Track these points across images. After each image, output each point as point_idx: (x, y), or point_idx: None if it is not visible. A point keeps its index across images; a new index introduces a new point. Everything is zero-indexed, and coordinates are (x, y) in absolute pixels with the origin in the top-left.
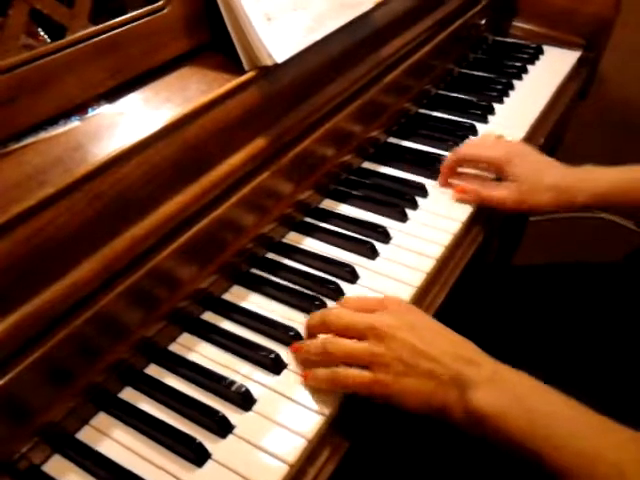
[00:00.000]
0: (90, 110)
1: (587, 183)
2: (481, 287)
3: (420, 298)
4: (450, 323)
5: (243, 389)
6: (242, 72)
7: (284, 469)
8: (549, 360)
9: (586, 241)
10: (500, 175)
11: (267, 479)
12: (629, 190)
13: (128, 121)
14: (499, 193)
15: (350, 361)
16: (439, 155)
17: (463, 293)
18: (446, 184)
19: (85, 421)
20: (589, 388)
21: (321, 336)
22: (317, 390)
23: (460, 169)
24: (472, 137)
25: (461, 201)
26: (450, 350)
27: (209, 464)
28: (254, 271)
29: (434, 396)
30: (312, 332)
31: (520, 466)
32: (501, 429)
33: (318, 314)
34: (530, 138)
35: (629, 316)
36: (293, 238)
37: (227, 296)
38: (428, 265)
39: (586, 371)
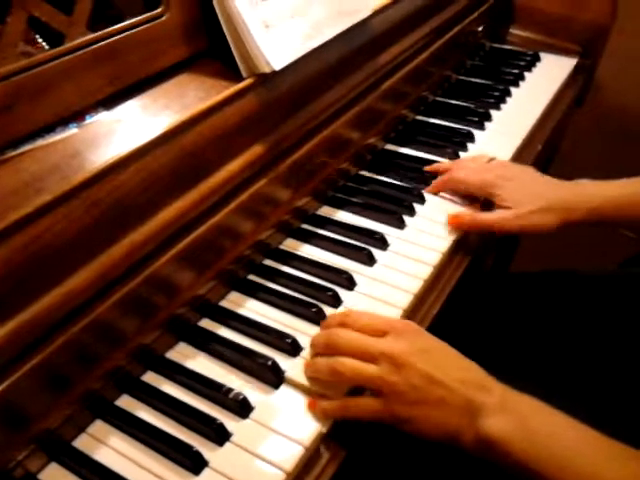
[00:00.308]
0: (88, 117)
1: (581, 198)
2: (478, 295)
3: (417, 305)
4: (448, 331)
5: (240, 397)
6: (240, 79)
7: (281, 477)
8: (546, 368)
9: (583, 248)
10: (492, 199)
11: None
12: (624, 205)
13: (126, 128)
14: (494, 217)
15: (360, 384)
16: (436, 162)
17: (461, 301)
18: (435, 193)
19: (82, 429)
20: (586, 396)
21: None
22: (314, 396)
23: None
24: (467, 151)
25: (457, 229)
26: (460, 376)
27: (206, 472)
28: (252, 278)
29: (447, 424)
30: (318, 352)
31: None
32: (511, 455)
33: (324, 334)
34: (527, 145)
35: (626, 324)
36: (291, 245)
37: (224, 303)
38: (425, 272)
39: (584, 379)
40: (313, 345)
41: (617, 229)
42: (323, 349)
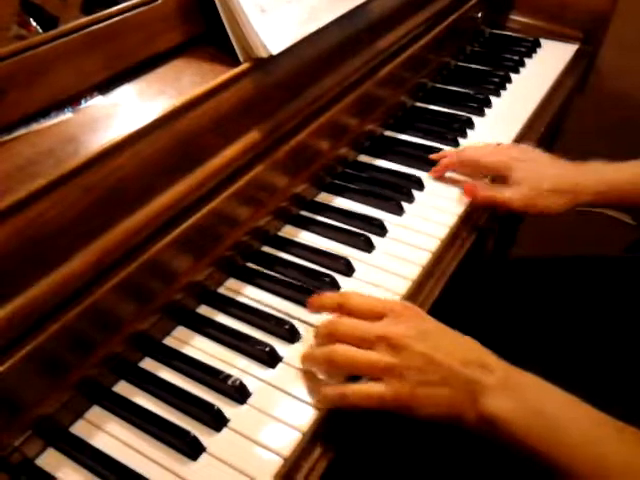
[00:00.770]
0: (83, 101)
1: (590, 182)
2: (479, 281)
3: (416, 291)
4: (449, 317)
5: (238, 382)
6: (237, 64)
7: (278, 462)
8: (548, 353)
9: (583, 235)
10: (503, 180)
11: (262, 472)
12: (632, 190)
13: (121, 113)
14: (505, 194)
15: (358, 372)
16: (435, 148)
17: (461, 287)
18: (437, 177)
19: (79, 415)
20: (591, 382)
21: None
22: (312, 384)
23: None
24: (466, 138)
25: (469, 196)
26: (461, 356)
27: (204, 457)
28: (249, 264)
29: (449, 404)
30: (321, 342)
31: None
32: (513, 434)
33: (325, 323)
34: (527, 131)
35: (628, 309)
36: (289, 231)
37: (222, 289)
38: (424, 258)
39: (587, 364)
40: (317, 336)
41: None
42: (323, 338)
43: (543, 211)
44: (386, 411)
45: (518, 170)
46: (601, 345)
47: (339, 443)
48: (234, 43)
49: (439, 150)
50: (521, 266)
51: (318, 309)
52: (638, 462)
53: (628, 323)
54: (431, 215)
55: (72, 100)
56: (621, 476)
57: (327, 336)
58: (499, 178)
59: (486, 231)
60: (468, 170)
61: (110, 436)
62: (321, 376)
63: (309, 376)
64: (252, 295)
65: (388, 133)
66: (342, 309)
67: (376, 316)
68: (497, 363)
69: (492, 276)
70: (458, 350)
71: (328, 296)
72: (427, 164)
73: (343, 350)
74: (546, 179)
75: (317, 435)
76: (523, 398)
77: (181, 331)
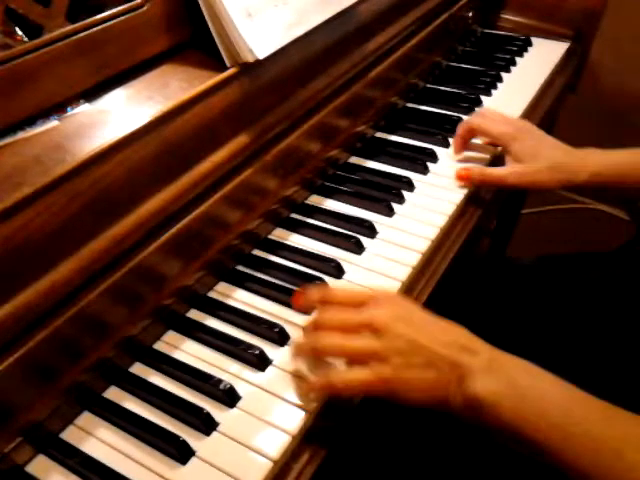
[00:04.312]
0: (69, 109)
1: (586, 163)
2: (475, 280)
3: (407, 292)
4: (444, 316)
5: (228, 386)
6: (224, 69)
7: (268, 465)
8: (547, 351)
9: (578, 233)
10: (505, 150)
11: (251, 476)
12: (625, 171)
13: (108, 120)
14: (501, 170)
15: (345, 357)
16: (427, 149)
17: (457, 286)
18: (460, 152)
19: (69, 421)
20: (588, 378)
21: None
22: (301, 386)
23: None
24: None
25: (464, 181)
26: (444, 339)
27: (193, 461)
28: (240, 268)
29: (435, 387)
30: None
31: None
32: (500, 416)
33: (311, 319)
34: None
35: (625, 305)
36: (279, 234)
37: (212, 294)
38: (415, 259)
39: (584, 360)
40: (304, 330)
41: (598, 210)
42: (310, 331)
43: (538, 186)
44: (374, 398)
45: (521, 142)
46: (600, 342)
47: (328, 446)
48: (220, 48)
49: (430, 150)
50: (517, 265)
51: (301, 304)
52: (623, 439)
53: (626, 319)
54: (422, 216)
55: (58, 108)
56: (606, 455)
57: (312, 328)
58: (503, 147)
59: (477, 233)
60: (477, 136)
61: (100, 442)
62: (307, 373)
63: (299, 379)
64: (242, 299)
65: (379, 134)
66: (324, 301)
67: (358, 305)
68: (481, 345)
69: (488, 276)
70: (441, 333)
71: (311, 291)
72: (418, 165)
73: (328, 337)
74: (545, 156)
75: (306, 438)
76: (509, 380)
77: (171, 335)
